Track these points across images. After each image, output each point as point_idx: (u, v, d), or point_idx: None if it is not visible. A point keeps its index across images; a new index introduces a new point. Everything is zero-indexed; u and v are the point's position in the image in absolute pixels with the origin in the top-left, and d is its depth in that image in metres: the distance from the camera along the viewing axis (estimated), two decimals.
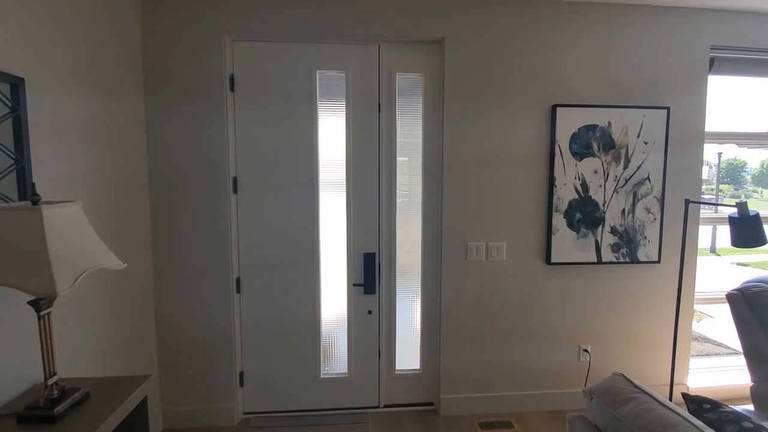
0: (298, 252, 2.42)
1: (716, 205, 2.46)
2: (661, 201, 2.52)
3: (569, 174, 2.44)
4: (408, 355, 2.60)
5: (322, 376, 2.51)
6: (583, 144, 2.43)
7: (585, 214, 2.47)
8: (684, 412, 1.10)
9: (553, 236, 2.47)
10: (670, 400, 2.43)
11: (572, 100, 2.43)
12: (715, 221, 3.07)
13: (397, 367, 2.59)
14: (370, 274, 2.48)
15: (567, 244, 2.48)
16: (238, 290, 2.41)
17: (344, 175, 2.42)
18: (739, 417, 1.16)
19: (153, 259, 2.30)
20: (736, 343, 3.92)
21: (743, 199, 1.80)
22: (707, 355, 3.77)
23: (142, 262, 2.20)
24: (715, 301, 2.98)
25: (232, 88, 2.31)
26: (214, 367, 2.38)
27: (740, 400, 2.70)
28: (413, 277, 2.56)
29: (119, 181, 2.00)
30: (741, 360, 3.04)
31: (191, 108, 2.24)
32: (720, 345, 4.09)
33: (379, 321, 2.53)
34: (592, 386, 1.33)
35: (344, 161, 2.41)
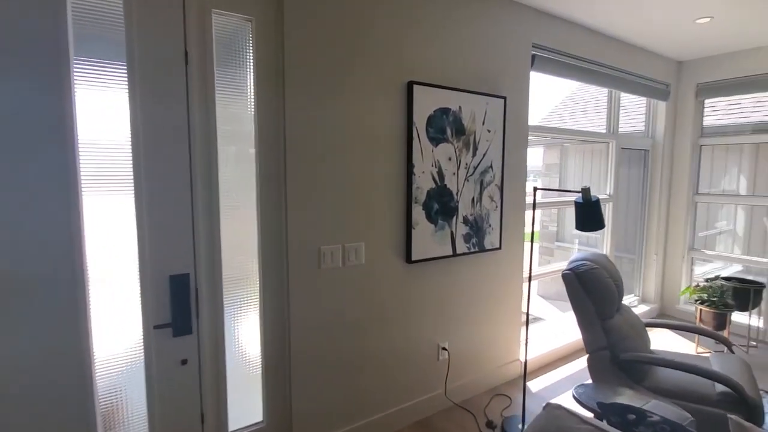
0: (44, 285, 1.39)
1: (561, 191, 2.65)
2: (501, 189, 2.57)
3: (427, 161, 2.20)
4: (245, 406, 1.91)
5: None
6: (439, 128, 2.23)
7: (441, 204, 2.29)
8: None
9: (413, 231, 2.19)
10: (524, 373, 2.49)
11: (428, 79, 2.19)
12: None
13: (230, 428, 1.86)
14: (182, 307, 1.67)
15: (426, 238, 2.25)
16: None
17: (130, 165, 1.53)
18: (675, 427, 1.05)
19: None
20: (548, 314, 4.65)
21: (587, 185, 1.89)
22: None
23: None
24: (541, 277, 3.30)
25: None
26: None
27: (561, 360, 3.08)
28: (248, 298, 1.88)
29: None
30: (549, 327, 3.53)
31: None
32: (537, 318, 4.81)
33: (200, 371, 1.75)
34: None
35: (129, 145, 1.52)
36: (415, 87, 2.11)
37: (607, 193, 3.71)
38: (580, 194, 1.93)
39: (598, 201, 1.90)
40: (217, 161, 1.71)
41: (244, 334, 1.88)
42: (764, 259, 3.64)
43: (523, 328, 2.91)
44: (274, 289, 1.90)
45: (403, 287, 2.24)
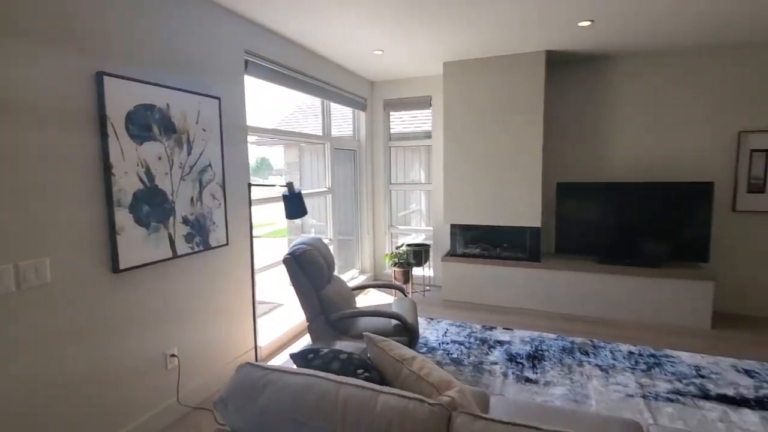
0: None
1: (272, 186, 2.89)
2: (223, 187, 2.66)
3: (130, 160, 2.04)
4: None
5: None
6: (142, 126, 2.10)
7: (153, 205, 2.18)
8: (308, 371, 1.21)
9: (118, 237, 2.00)
10: (256, 360, 2.69)
11: (127, 72, 2.02)
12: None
13: None
14: None
15: (138, 243, 2.10)
16: None
17: None
18: (336, 353, 1.43)
19: None
20: (288, 300, 4.95)
21: (289, 180, 2.22)
22: (264, 313, 4.56)
23: None
24: (267, 268, 3.57)
25: None
26: None
27: (296, 337, 3.46)
28: None
29: None
30: (287, 311, 3.89)
31: None
32: (267, 303, 5.06)
33: None
34: (223, 393, 1.19)
35: None
36: (107, 79, 1.91)
37: (327, 186, 4.38)
38: (286, 188, 2.26)
39: (300, 193, 2.28)
40: None
41: None
42: (429, 228, 5.17)
43: (259, 317, 3.13)
44: None
45: (112, 301, 2.03)
